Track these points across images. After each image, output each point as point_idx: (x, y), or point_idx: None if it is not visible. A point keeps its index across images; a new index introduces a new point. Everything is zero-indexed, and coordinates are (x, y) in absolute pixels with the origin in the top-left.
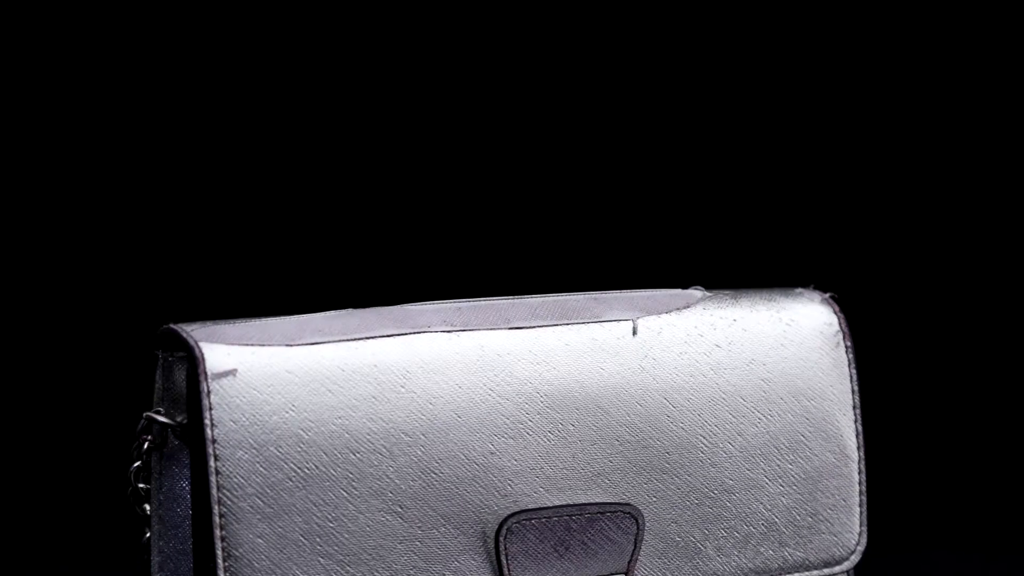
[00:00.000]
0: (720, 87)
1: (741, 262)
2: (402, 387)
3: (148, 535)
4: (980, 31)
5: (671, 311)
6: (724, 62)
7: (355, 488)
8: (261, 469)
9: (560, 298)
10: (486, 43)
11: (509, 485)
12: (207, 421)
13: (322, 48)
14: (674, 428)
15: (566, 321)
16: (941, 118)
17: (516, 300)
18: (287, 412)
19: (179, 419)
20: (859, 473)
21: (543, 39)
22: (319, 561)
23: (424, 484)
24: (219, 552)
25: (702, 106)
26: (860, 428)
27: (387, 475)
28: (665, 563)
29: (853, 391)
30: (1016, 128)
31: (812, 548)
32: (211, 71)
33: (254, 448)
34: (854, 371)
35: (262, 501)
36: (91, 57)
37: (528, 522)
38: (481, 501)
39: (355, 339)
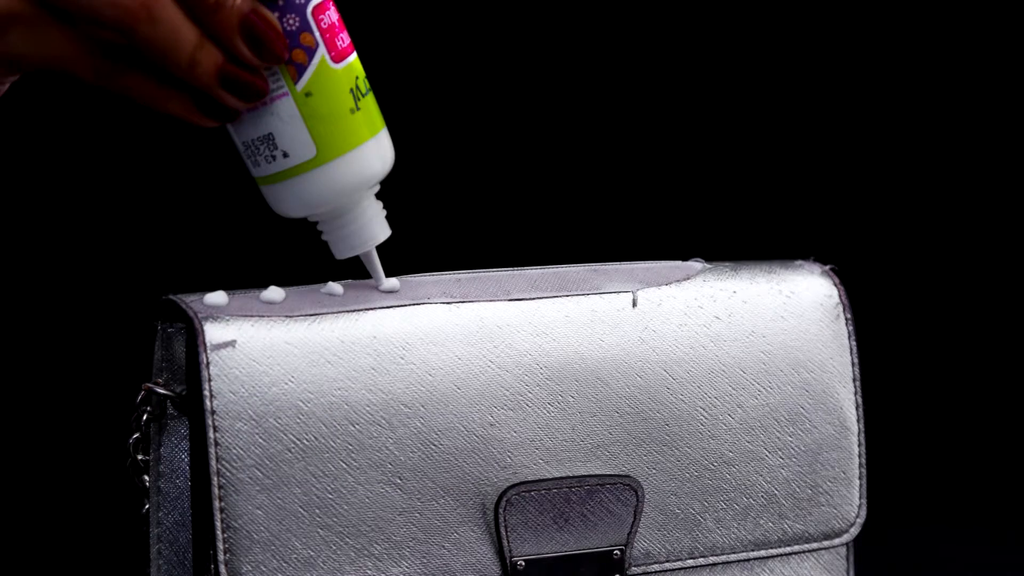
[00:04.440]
0: (720, 61)
1: (741, 234)
2: (401, 359)
3: (147, 507)
4: (971, 13)
5: (671, 283)
6: (722, 39)
7: (354, 459)
8: (260, 440)
9: (560, 270)
10: (485, 19)
11: (508, 457)
12: (206, 392)
13: None
14: (674, 400)
15: (566, 293)
16: (938, 93)
17: (516, 272)
18: (286, 383)
19: (178, 390)
20: (859, 446)
21: (543, 18)
22: (318, 532)
23: (423, 456)
24: (218, 524)
25: (703, 79)
26: (860, 401)
27: (386, 447)
28: (664, 535)
29: (853, 363)
30: (1010, 103)
31: (812, 520)
32: None
33: (253, 419)
34: (854, 343)
35: (261, 472)
36: None
37: (528, 494)
38: (480, 473)
39: (354, 311)
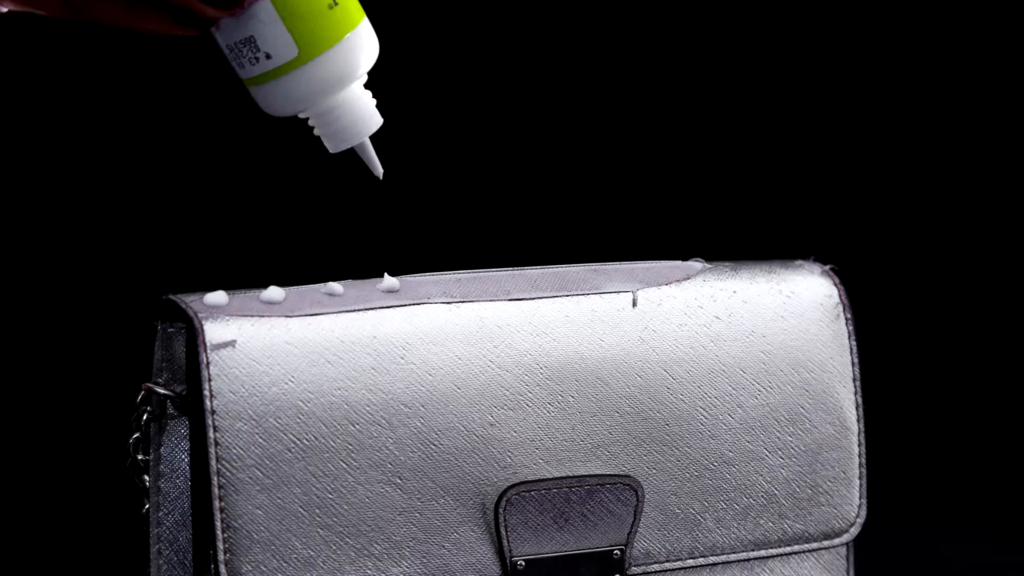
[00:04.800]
0: (720, 61)
1: (741, 234)
2: (401, 358)
3: (147, 507)
4: (971, 13)
5: (671, 283)
6: (722, 39)
7: (354, 459)
8: (260, 440)
9: (560, 270)
10: (486, 19)
11: (509, 457)
12: (206, 392)
13: None
14: (674, 400)
15: (566, 293)
16: (938, 93)
17: (516, 272)
18: (286, 383)
19: (178, 390)
20: (859, 446)
21: (544, 18)
22: (318, 532)
23: (423, 455)
24: (218, 523)
25: (703, 79)
26: (860, 400)
27: (386, 446)
28: (665, 535)
29: (853, 363)
30: (1010, 103)
31: (812, 520)
32: (204, 48)
33: (253, 419)
34: (854, 343)
35: (261, 472)
36: (85, 38)
37: (528, 494)
38: (480, 473)
39: (355, 310)
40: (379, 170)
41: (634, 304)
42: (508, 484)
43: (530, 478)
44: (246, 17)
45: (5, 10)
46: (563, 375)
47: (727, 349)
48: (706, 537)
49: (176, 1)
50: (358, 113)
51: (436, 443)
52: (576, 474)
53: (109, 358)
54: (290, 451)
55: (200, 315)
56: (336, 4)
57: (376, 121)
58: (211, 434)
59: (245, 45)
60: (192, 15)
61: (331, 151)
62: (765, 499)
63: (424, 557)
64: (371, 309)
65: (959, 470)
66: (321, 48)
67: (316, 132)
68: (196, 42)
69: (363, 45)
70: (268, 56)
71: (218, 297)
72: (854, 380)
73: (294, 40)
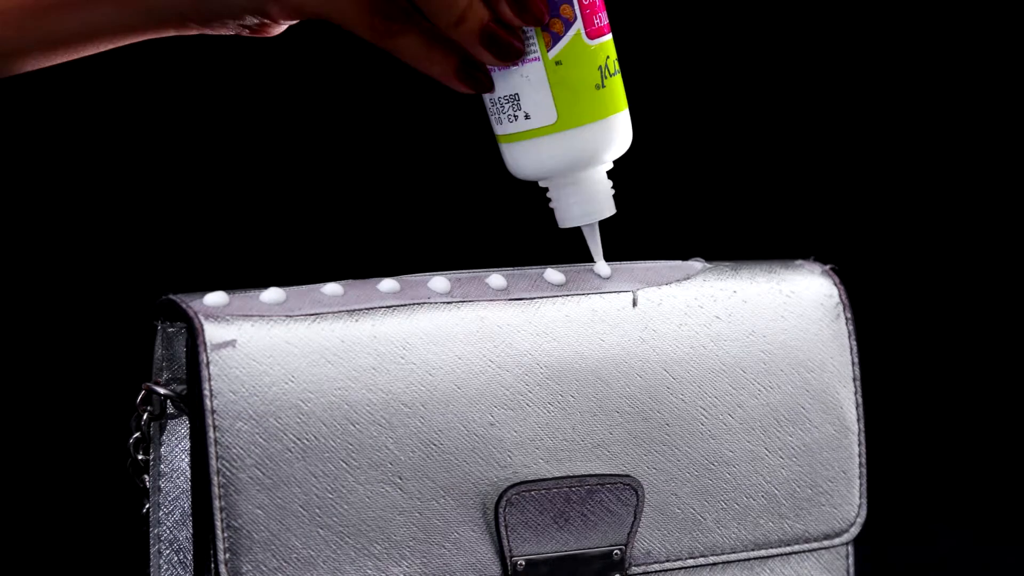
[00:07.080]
0: (720, 61)
1: (741, 234)
2: (402, 358)
3: (147, 507)
4: (970, 13)
5: (671, 283)
6: (722, 39)
7: (354, 459)
8: (260, 440)
9: (560, 269)
10: None
11: (509, 456)
12: (206, 392)
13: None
14: (674, 400)
15: (566, 293)
16: (938, 93)
17: (516, 271)
18: (287, 383)
19: (178, 390)
20: (859, 445)
21: None
22: (318, 532)
23: (423, 455)
24: (218, 523)
25: (703, 79)
26: (860, 400)
27: (386, 446)
28: (664, 535)
29: (853, 363)
30: (1010, 103)
31: (812, 520)
32: (203, 49)
33: (254, 419)
34: (854, 343)
35: (261, 472)
36: None
37: (528, 494)
38: (481, 472)
39: (355, 310)
40: (600, 257)
41: (634, 304)
42: (508, 484)
43: (530, 478)
44: (516, 74)
45: (292, 22)
46: (563, 375)
47: (727, 349)
48: (706, 537)
49: (463, 42)
50: (596, 195)
51: (436, 443)
52: (576, 474)
53: (109, 358)
54: (290, 451)
55: (200, 315)
56: (603, 87)
57: (610, 209)
58: (211, 434)
59: (508, 101)
60: (473, 73)
61: (560, 225)
62: (765, 499)
63: (424, 557)
64: (371, 309)
65: (959, 470)
66: (580, 121)
67: (551, 204)
68: (197, 42)
69: (619, 131)
70: (527, 116)
71: (218, 297)
72: (854, 380)
73: (556, 107)
